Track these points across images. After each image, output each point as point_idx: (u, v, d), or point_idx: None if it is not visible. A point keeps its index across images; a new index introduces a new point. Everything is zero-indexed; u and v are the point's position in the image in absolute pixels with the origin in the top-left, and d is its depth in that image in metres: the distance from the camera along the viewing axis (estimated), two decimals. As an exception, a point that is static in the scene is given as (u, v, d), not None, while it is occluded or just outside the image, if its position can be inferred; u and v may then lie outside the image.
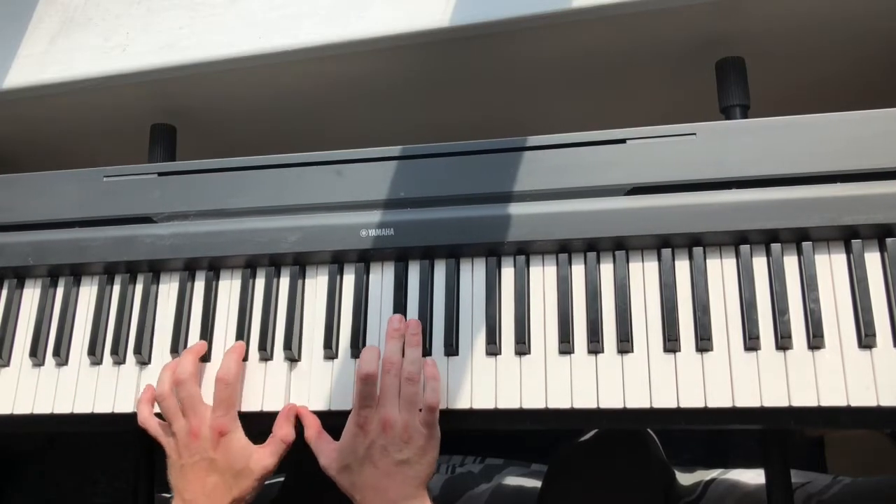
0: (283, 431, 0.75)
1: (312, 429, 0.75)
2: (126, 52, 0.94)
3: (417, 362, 0.73)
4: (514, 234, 0.76)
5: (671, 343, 0.72)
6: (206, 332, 0.82)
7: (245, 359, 0.80)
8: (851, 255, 0.72)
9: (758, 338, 0.70)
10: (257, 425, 0.79)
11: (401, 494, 0.70)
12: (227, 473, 0.74)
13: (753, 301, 0.72)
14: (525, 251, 0.77)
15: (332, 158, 0.83)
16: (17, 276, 0.88)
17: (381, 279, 0.80)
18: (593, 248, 0.76)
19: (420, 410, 0.72)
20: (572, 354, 0.73)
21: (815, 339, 0.69)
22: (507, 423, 0.74)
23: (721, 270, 0.74)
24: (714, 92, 0.87)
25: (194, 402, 0.76)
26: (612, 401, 0.71)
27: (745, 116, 0.84)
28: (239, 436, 0.75)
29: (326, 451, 0.74)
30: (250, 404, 0.78)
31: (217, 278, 0.84)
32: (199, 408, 0.76)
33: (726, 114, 0.85)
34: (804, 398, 0.68)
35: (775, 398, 0.68)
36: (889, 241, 0.71)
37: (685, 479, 1.01)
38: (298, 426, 0.77)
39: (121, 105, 1.00)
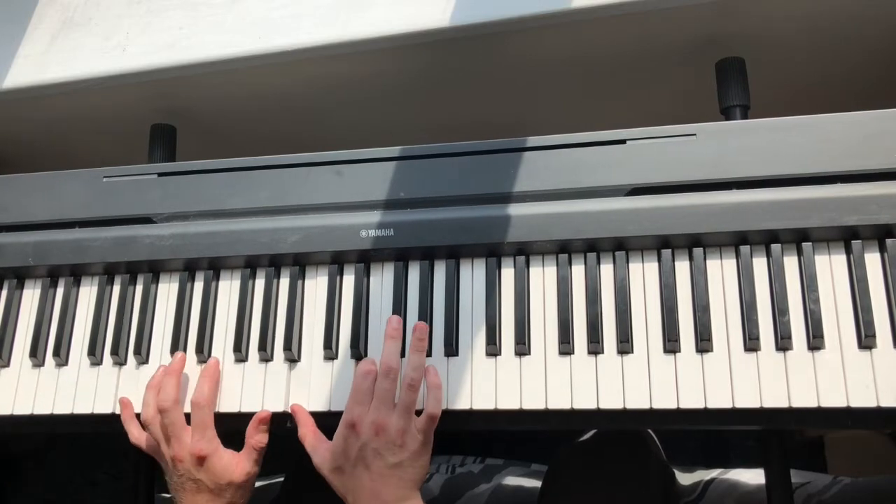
0: (254, 439, 0.78)
1: (307, 427, 0.75)
2: (126, 52, 0.94)
3: (420, 369, 0.73)
4: (514, 235, 0.76)
5: (671, 344, 0.72)
6: (206, 333, 0.82)
7: (245, 360, 0.80)
8: (851, 256, 0.72)
9: (758, 338, 0.70)
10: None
11: (394, 496, 0.70)
12: (214, 489, 0.77)
13: (753, 302, 0.71)
14: (525, 252, 0.77)
15: (332, 159, 0.83)
16: (17, 277, 0.88)
17: (381, 280, 0.80)
18: (593, 248, 0.76)
19: (418, 415, 0.72)
20: (572, 355, 0.73)
21: (815, 340, 0.69)
22: (507, 424, 0.74)
23: (721, 271, 0.74)
24: (714, 92, 0.87)
25: (177, 429, 0.78)
26: (612, 401, 0.71)
27: (745, 117, 0.84)
28: (219, 455, 0.78)
29: (320, 450, 0.74)
30: (250, 405, 0.78)
31: (217, 279, 0.84)
32: (181, 434, 0.78)
33: (726, 114, 0.85)
34: (804, 399, 0.68)
35: (775, 399, 0.68)
36: (889, 241, 0.71)
37: (685, 479, 1.01)
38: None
39: (121, 105, 1.00)
